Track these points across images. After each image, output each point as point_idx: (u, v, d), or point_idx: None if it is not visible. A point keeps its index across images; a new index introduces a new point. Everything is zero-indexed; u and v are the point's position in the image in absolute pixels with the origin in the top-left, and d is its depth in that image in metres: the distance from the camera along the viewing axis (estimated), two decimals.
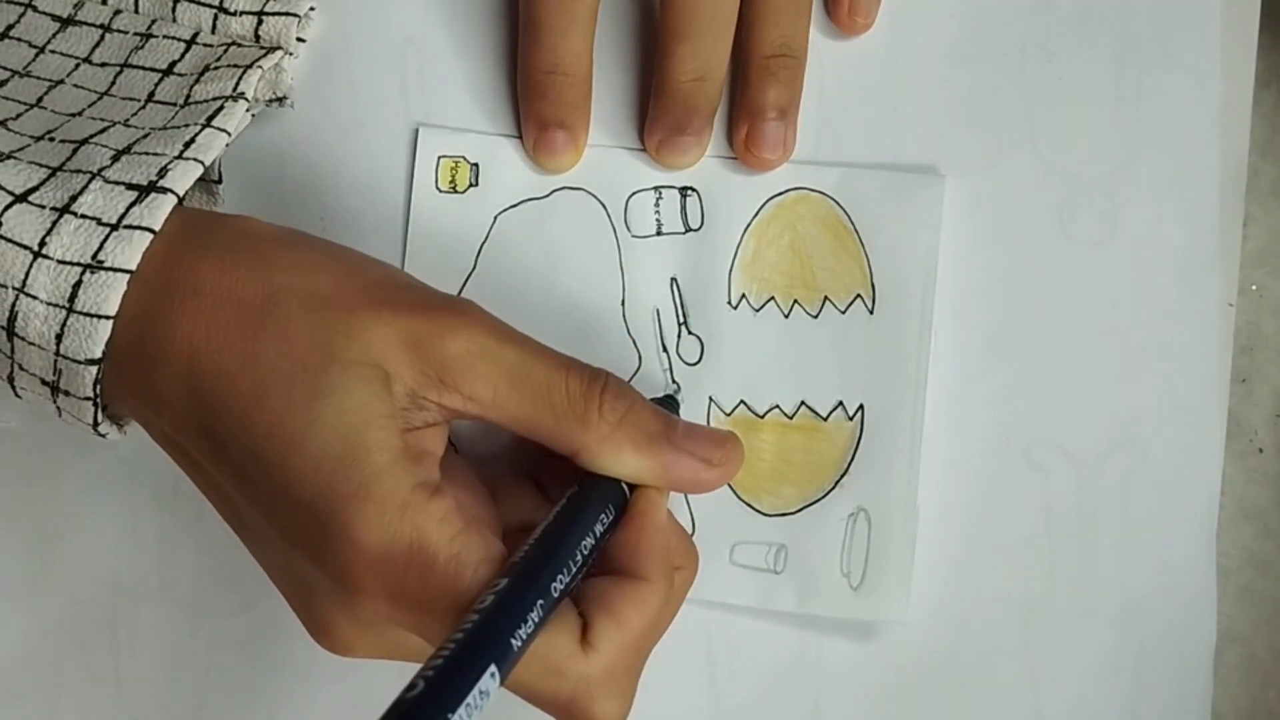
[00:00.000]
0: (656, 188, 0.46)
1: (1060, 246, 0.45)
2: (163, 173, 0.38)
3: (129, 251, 0.36)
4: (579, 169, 0.46)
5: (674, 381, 0.45)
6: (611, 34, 0.46)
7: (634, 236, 0.46)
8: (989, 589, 0.45)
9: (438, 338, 0.36)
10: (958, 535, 0.45)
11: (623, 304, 0.45)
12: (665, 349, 0.45)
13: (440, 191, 0.46)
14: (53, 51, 0.43)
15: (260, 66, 0.43)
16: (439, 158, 0.46)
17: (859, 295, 0.45)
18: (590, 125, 0.45)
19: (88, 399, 0.37)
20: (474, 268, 0.45)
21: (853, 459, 0.44)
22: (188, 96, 0.42)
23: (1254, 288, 0.47)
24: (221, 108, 0.41)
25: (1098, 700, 0.45)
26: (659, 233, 0.46)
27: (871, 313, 0.45)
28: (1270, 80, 0.47)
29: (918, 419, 0.44)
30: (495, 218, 0.46)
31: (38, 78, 0.43)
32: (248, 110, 0.43)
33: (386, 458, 0.34)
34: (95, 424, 0.39)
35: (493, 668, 0.32)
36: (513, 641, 0.33)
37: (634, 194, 0.46)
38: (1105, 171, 0.45)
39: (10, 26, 0.44)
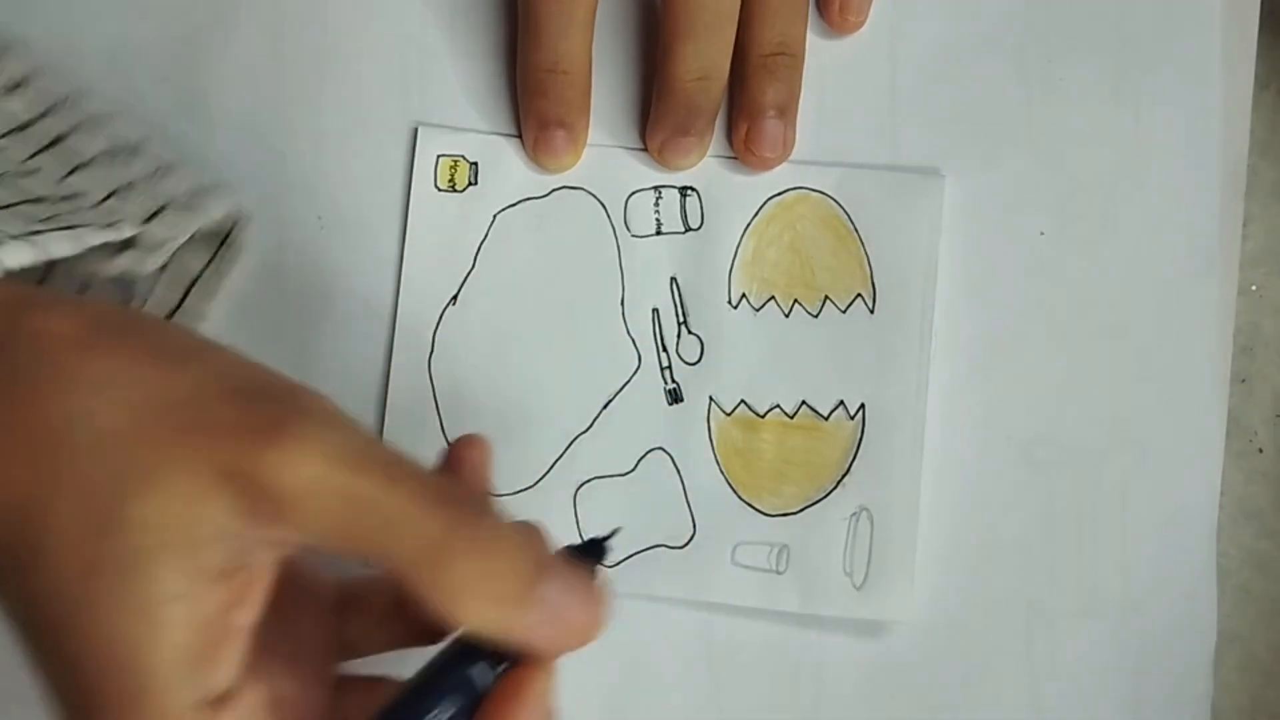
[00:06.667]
0: (656, 187, 0.45)
1: (1060, 246, 0.45)
2: None
3: None
4: (578, 168, 0.45)
5: (673, 381, 0.45)
6: (611, 34, 0.46)
7: (633, 236, 0.45)
8: (989, 589, 0.44)
9: (258, 471, 0.29)
10: (958, 535, 0.44)
11: (622, 303, 0.45)
12: (665, 349, 0.45)
13: (439, 190, 0.45)
14: None
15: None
16: (438, 156, 0.45)
17: (859, 295, 0.45)
18: (590, 124, 0.45)
19: None
20: (472, 267, 0.45)
21: (854, 458, 0.44)
22: (84, 193, 0.38)
23: (1254, 288, 0.47)
24: (87, 225, 0.36)
25: (1098, 700, 0.44)
26: (659, 232, 0.45)
27: (872, 312, 0.45)
28: (1270, 80, 0.47)
29: (919, 417, 0.44)
30: (494, 217, 0.45)
31: None
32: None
33: (165, 659, 0.29)
34: None
35: None
36: None
37: (633, 193, 0.45)
38: (1105, 171, 0.45)
39: None
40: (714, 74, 0.43)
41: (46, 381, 0.30)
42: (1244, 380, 0.46)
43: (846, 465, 0.44)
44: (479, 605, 0.30)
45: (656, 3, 0.45)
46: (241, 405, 0.30)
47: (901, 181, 0.45)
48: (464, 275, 0.45)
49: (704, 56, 0.43)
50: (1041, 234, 0.45)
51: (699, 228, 0.45)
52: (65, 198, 0.39)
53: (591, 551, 0.35)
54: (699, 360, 0.45)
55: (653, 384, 0.45)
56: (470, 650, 0.32)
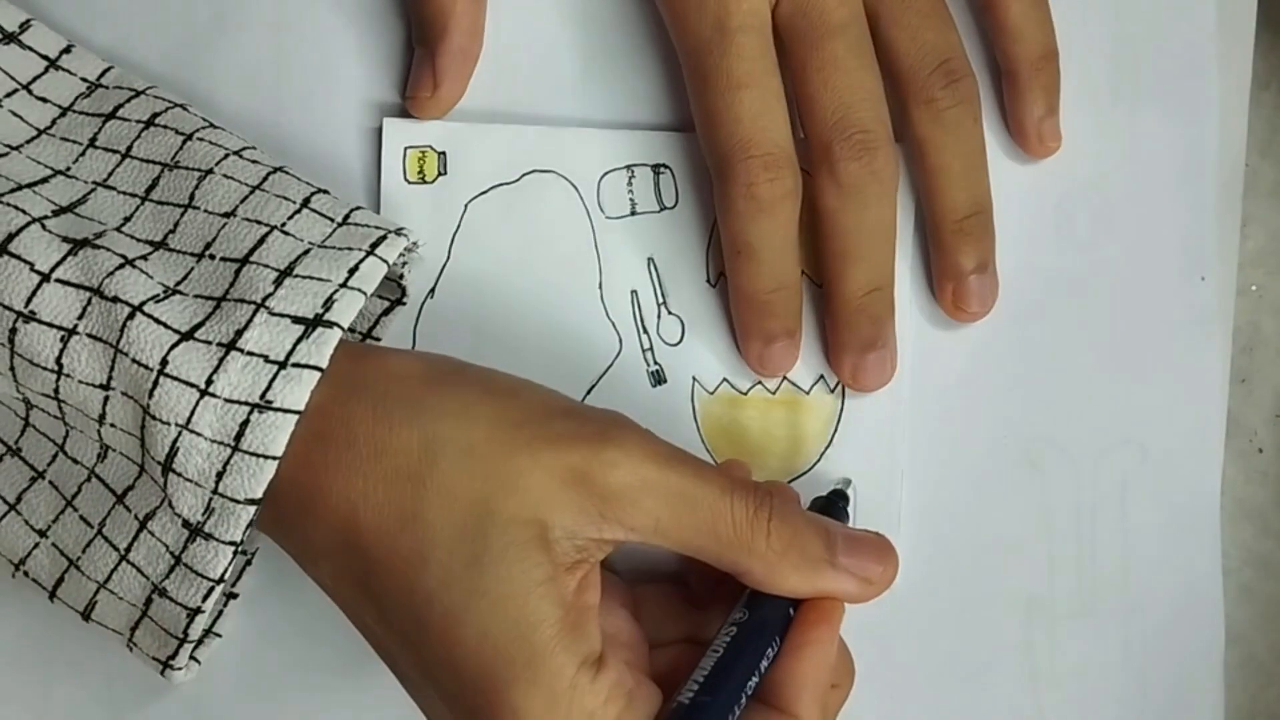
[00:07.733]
0: (629, 166, 0.45)
1: (1058, 246, 0.45)
2: (328, 304, 0.37)
3: (298, 392, 0.36)
4: (547, 151, 0.45)
5: (656, 363, 0.45)
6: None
7: (608, 218, 0.45)
8: (989, 589, 0.45)
9: (598, 472, 0.36)
10: (958, 535, 0.45)
11: (600, 287, 0.45)
12: (645, 330, 0.45)
13: (409, 183, 0.45)
14: (200, 140, 0.41)
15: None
16: (405, 148, 0.45)
17: None
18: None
19: (231, 544, 0.37)
20: (448, 258, 0.45)
21: (835, 431, 0.45)
22: (346, 217, 0.40)
23: (1254, 288, 0.47)
24: (385, 237, 0.39)
25: (1099, 701, 0.45)
26: (633, 212, 0.45)
27: None
28: (1269, 81, 0.47)
29: (899, 388, 0.44)
30: (466, 205, 0.45)
31: (185, 168, 0.40)
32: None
33: (549, 633, 0.35)
34: (184, 635, 0.39)
35: None
36: None
37: (606, 174, 0.45)
38: (1102, 172, 0.45)
39: (157, 115, 0.42)
40: (887, 280, 0.43)
41: (410, 411, 0.36)
42: (1244, 380, 0.47)
43: (828, 438, 0.45)
44: (792, 572, 0.37)
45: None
46: (575, 420, 0.37)
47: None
48: (440, 267, 0.45)
49: (875, 269, 0.43)
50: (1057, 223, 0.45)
51: (674, 206, 0.45)
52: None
53: (837, 500, 0.42)
54: (680, 340, 0.45)
55: (635, 367, 0.45)
56: (764, 600, 0.38)
